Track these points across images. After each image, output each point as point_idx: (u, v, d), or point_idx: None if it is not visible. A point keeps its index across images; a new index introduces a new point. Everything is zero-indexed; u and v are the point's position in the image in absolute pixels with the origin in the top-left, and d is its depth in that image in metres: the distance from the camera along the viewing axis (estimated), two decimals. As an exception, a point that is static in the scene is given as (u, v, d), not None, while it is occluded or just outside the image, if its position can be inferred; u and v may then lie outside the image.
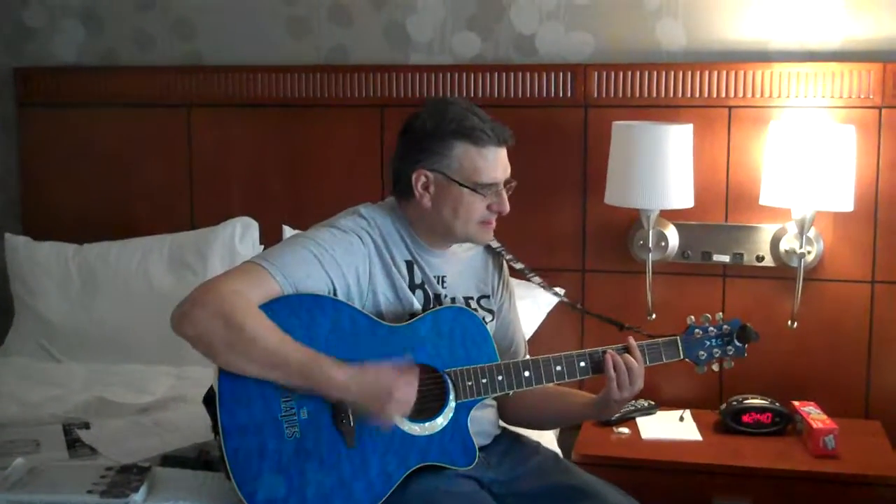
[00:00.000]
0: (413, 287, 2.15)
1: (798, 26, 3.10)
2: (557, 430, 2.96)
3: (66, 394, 2.85)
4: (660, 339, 2.28)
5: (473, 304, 2.26)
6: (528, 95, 3.23)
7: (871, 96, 3.02)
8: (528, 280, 2.39)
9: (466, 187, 2.11)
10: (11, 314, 3.37)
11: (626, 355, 2.19)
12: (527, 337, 2.51)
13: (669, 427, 2.97)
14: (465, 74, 3.26)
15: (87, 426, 2.54)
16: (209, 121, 3.47)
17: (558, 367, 2.17)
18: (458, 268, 2.25)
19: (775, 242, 3.08)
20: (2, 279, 3.46)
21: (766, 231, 3.09)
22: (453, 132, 2.11)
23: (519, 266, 2.36)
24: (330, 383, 1.95)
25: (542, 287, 2.40)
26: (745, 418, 2.91)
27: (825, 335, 3.10)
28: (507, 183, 2.17)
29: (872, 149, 3.03)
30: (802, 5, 3.09)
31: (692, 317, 2.32)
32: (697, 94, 3.12)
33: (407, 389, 1.98)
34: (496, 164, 2.13)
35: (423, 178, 2.13)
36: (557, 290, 2.43)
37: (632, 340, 2.22)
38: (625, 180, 2.98)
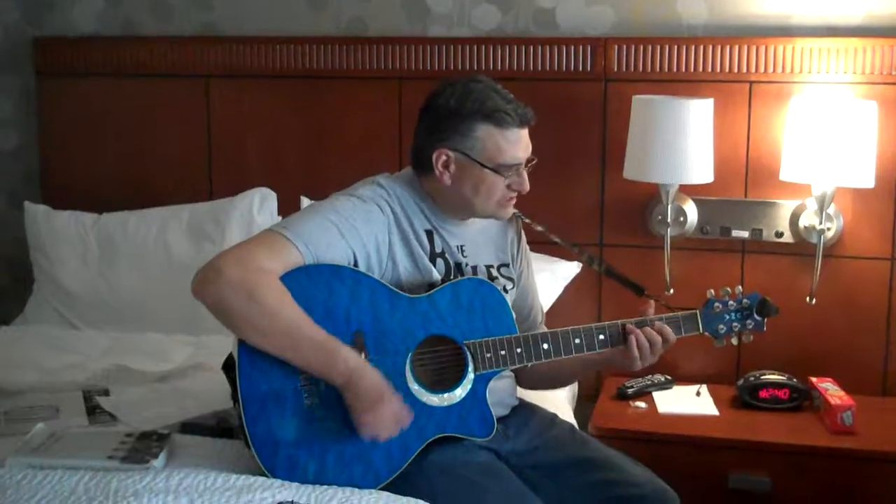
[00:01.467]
0: (434, 256, 2.16)
1: (820, 1, 3.07)
2: (574, 403, 2.97)
3: (86, 361, 2.87)
4: (679, 313, 2.27)
5: (494, 273, 2.26)
6: (548, 69, 3.21)
7: (894, 72, 2.99)
8: (551, 240, 2.37)
9: (488, 168, 2.11)
10: (31, 282, 3.39)
11: (647, 328, 2.19)
12: (545, 309, 2.52)
13: (686, 401, 2.97)
14: (484, 47, 3.24)
15: (106, 393, 2.56)
16: (228, 92, 3.46)
17: (577, 340, 2.17)
18: (477, 236, 2.25)
19: (795, 218, 3.07)
20: (22, 248, 3.47)
21: (786, 207, 3.08)
22: (476, 113, 2.10)
23: (540, 228, 2.35)
24: (339, 368, 1.95)
25: (565, 245, 2.39)
26: (763, 394, 2.91)
27: (843, 312, 3.09)
28: (528, 162, 2.17)
29: (894, 125, 3.00)
30: (825, -21, 3.07)
31: (712, 290, 2.31)
32: (718, 69, 3.10)
33: (400, 412, 2.00)
34: (518, 144, 2.13)
35: (443, 157, 2.13)
36: (584, 253, 2.43)
37: (651, 311, 2.22)
38: (644, 155, 2.96)
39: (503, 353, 2.12)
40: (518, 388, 2.36)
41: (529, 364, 2.16)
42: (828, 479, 2.71)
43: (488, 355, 2.11)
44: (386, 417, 1.98)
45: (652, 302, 2.25)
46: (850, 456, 2.69)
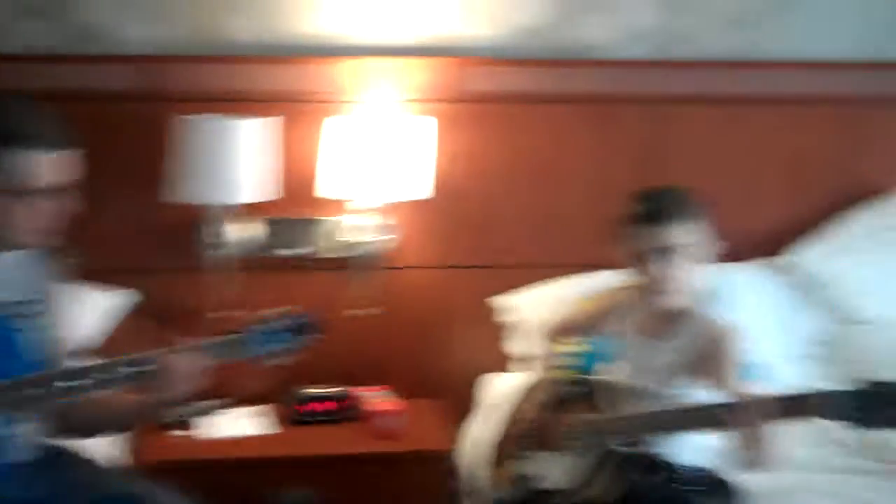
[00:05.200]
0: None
1: (370, 21, 3.18)
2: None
3: None
4: (221, 338, 2.23)
5: (17, 309, 2.11)
6: (90, 87, 3.06)
7: (440, 91, 3.16)
8: (92, 281, 2.26)
9: (16, 193, 1.98)
10: None
11: (171, 355, 2.12)
12: (87, 343, 2.38)
13: (238, 424, 2.95)
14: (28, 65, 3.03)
15: None
16: None
17: (98, 376, 2.05)
18: (9, 270, 2.11)
19: (342, 233, 3.15)
20: None
21: (333, 222, 3.16)
22: (3, 138, 1.96)
23: (72, 261, 2.24)
24: None
25: (105, 288, 2.28)
26: (310, 407, 2.95)
27: (391, 321, 3.22)
28: (65, 186, 2.04)
29: (444, 141, 3.15)
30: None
31: (255, 313, 2.30)
32: (270, 88, 3.11)
33: None
34: (50, 168, 2.00)
35: None
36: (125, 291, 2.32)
37: (182, 339, 2.16)
38: (194, 176, 2.90)
39: (14, 395, 1.97)
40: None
41: (46, 408, 2.02)
42: (374, 484, 2.81)
43: None
44: None
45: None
46: (394, 459, 2.80)
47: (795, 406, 1.91)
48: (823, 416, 1.83)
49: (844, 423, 1.80)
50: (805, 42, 3.36)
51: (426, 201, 3.10)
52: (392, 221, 3.17)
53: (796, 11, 3.35)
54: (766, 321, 3.14)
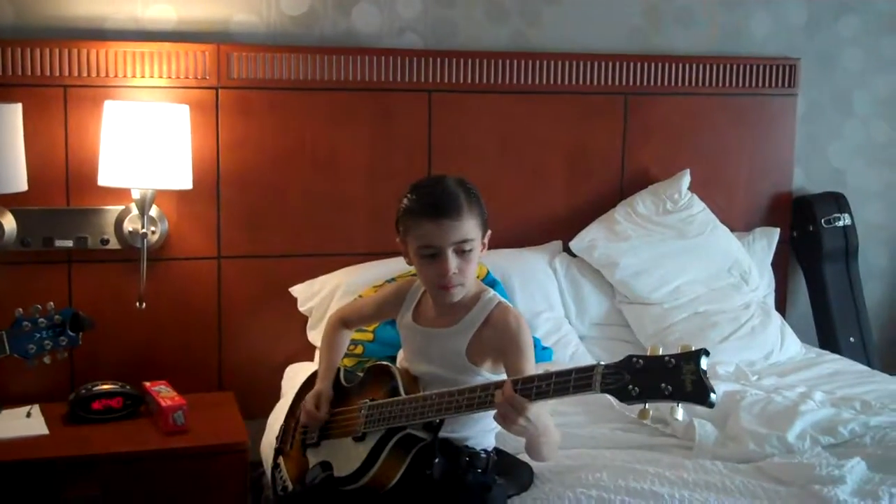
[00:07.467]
0: None
1: (133, 5, 3.09)
2: None
3: None
4: (-19, 335, 2.13)
5: None
6: None
7: (207, 77, 3.10)
8: None
9: None
10: None
11: None
12: None
13: (15, 425, 2.80)
14: None
15: None
16: None
17: None
18: None
19: (119, 224, 3.06)
20: None
21: (110, 213, 3.06)
22: None
23: None
24: None
25: None
26: (95, 405, 2.84)
27: (175, 313, 3.16)
28: None
29: (211, 128, 3.12)
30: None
31: (20, 309, 2.21)
32: (29, 73, 2.97)
33: None
34: None
35: None
36: None
37: None
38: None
39: None
40: None
41: None
42: (162, 481, 2.71)
43: None
44: None
45: None
46: (183, 455, 2.72)
47: (572, 380, 1.83)
48: (603, 389, 1.76)
49: (621, 396, 1.75)
50: (574, 35, 3.47)
51: (188, 192, 3.03)
52: (158, 212, 3.09)
53: (563, 4, 3.46)
54: (549, 304, 3.25)
